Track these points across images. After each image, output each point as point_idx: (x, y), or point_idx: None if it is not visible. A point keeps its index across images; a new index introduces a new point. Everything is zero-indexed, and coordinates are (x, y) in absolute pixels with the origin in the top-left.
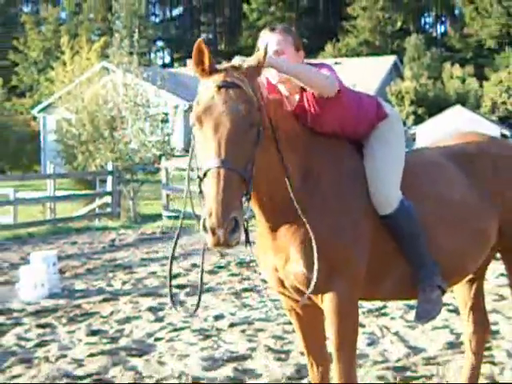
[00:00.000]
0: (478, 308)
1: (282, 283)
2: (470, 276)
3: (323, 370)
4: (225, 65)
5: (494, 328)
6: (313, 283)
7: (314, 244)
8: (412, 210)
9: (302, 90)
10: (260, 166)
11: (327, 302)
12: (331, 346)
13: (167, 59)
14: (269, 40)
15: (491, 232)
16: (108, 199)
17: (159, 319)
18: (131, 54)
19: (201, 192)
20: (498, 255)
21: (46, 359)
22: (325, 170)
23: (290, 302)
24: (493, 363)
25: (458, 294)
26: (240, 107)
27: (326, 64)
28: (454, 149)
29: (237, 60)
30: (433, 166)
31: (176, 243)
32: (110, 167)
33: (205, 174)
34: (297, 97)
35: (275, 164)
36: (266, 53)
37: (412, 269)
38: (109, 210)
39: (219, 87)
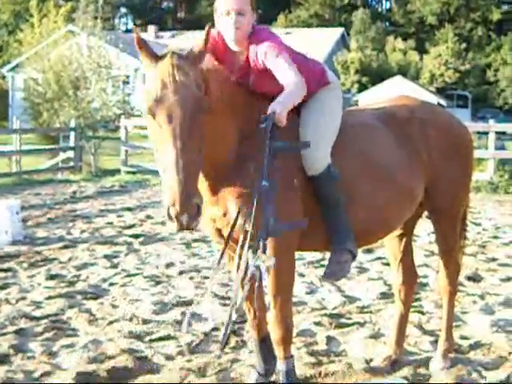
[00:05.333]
0: (406, 261)
1: (219, 233)
2: (400, 231)
3: (260, 315)
4: (170, 51)
5: (424, 281)
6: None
7: (254, 200)
8: (336, 178)
9: (247, 49)
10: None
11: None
12: (268, 293)
13: (130, 25)
14: None
15: (417, 191)
16: (70, 154)
17: (114, 266)
18: (96, 18)
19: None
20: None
21: (7, 301)
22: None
23: (229, 251)
24: (421, 312)
25: (389, 248)
26: (189, 96)
27: (271, 35)
28: (384, 111)
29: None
30: (363, 126)
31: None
32: (73, 124)
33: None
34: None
35: (216, 130)
36: (206, 40)
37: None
38: (71, 164)
39: (169, 80)
